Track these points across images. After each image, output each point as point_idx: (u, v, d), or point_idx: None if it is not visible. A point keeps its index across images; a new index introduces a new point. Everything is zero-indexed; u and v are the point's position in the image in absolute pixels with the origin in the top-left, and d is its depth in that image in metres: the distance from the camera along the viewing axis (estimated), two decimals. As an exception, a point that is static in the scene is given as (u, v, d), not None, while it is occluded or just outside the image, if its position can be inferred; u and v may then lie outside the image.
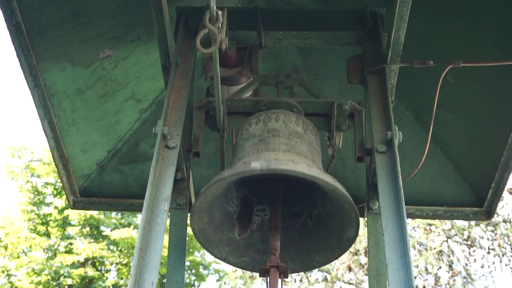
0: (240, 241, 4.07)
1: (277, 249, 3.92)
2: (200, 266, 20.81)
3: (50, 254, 20.07)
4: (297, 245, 4.07)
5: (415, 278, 20.25)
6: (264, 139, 3.84)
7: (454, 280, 20.81)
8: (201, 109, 4.09)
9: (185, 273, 4.49)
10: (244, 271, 21.36)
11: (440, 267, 20.93)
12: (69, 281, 19.69)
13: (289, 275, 4.12)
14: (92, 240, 19.96)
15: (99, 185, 5.66)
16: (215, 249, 4.00)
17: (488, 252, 20.89)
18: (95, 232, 20.42)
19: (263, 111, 4.02)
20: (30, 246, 20.10)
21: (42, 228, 20.72)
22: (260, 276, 4.03)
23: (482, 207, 5.50)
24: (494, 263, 20.97)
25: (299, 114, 4.04)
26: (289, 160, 3.57)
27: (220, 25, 3.35)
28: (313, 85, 4.12)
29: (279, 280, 3.85)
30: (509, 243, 20.70)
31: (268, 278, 3.91)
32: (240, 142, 3.96)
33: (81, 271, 19.30)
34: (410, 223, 20.04)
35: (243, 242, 4.07)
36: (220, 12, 3.33)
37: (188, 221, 4.24)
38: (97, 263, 20.10)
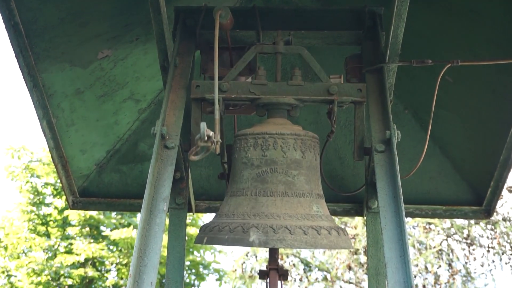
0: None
1: (276, 252, 3.93)
2: (200, 266, 20.83)
3: (50, 255, 20.11)
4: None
5: (415, 277, 20.25)
6: (262, 176, 3.85)
7: (454, 279, 20.82)
8: (197, 101, 4.04)
9: (185, 272, 4.48)
10: (243, 271, 21.37)
11: (440, 266, 20.94)
12: (69, 281, 19.73)
13: (289, 275, 4.12)
14: (92, 240, 19.99)
15: (98, 185, 5.67)
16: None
17: (488, 251, 20.90)
18: (95, 232, 20.45)
19: (261, 135, 3.94)
20: (30, 247, 20.13)
21: (42, 229, 20.75)
22: (259, 278, 4.05)
23: (481, 205, 5.51)
24: (494, 261, 20.99)
25: (297, 136, 3.97)
26: (285, 226, 3.63)
27: (213, 138, 3.50)
28: (314, 57, 4.05)
29: (279, 282, 3.87)
30: (508, 241, 20.71)
31: (268, 280, 3.93)
32: (238, 166, 3.95)
33: (81, 271, 19.34)
34: (409, 221, 20.05)
35: None
36: (211, 133, 3.47)
37: (188, 221, 4.24)
38: (97, 263, 20.13)
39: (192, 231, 19.32)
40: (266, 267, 3.97)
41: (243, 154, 3.91)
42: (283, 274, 3.99)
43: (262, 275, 4.05)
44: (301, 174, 3.84)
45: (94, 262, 20.01)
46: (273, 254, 4.03)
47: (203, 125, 3.45)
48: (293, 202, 3.75)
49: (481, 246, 20.98)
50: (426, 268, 20.92)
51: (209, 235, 3.73)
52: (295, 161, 3.85)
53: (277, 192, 3.78)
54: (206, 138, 3.47)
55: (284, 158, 3.84)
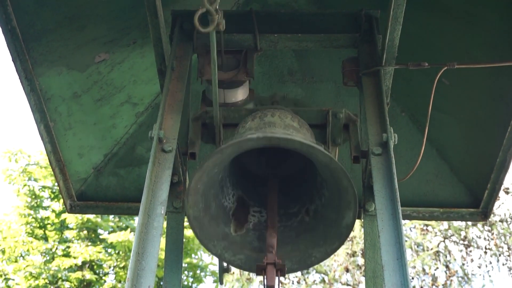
0: (236, 238, 4.08)
1: (274, 246, 3.92)
2: (197, 268, 20.81)
3: (48, 258, 20.06)
4: (294, 242, 4.09)
5: (412, 279, 20.26)
6: (261, 128, 3.88)
7: (451, 280, 20.82)
8: (197, 121, 4.10)
9: (183, 275, 4.50)
10: (241, 273, 21.36)
11: (437, 268, 20.94)
12: (67, 285, 19.68)
13: (286, 277, 4.13)
14: (89, 244, 19.95)
15: (96, 189, 5.66)
16: (210, 243, 4.01)
17: (485, 252, 20.91)
18: (92, 235, 20.41)
19: (259, 110, 4.04)
20: (28, 250, 20.08)
21: (39, 232, 20.71)
22: (256, 274, 4.04)
23: (479, 208, 5.51)
24: (491, 262, 20.99)
25: (294, 114, 4.04)
26: (285, 133, 3.68)
27: (217, 6, 3.38)
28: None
29: (276, 277, 3.87)
30: (506, 242, 20.72)
31: (265, 275, 3.92)
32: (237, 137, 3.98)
33: (78, 274, 19.29)
34: (406, 223, 20.04)
35: (239, 239, 4.08)
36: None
37: (185, 224, 4.25)
38: (95, 266, 20.09)
39: (190, 233, 19.29)
40: (263, 262, 3.96)
41: (242, 129, 3.96)
42: (281, 269, 3.98)
43: (259, 270, 4.05)
44: (299, 134, 3.88)
45: (92, 265, 19.97)
46: (271, 249, 4.02)
47: None
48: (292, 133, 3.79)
49: (478, 247, 20.99)
50: (423, 269, 20.91)
51: (202, 162, 3.74)
52: (292, 126, 3.89)
53: (276, 130, 3.83)
54: None
55: (282, 121, 3.90)
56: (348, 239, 20.58)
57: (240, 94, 4.44)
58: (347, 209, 3.82)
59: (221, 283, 4.95)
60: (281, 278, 4.03)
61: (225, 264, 4.69)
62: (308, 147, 3.62)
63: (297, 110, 4.17)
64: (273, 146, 3.72)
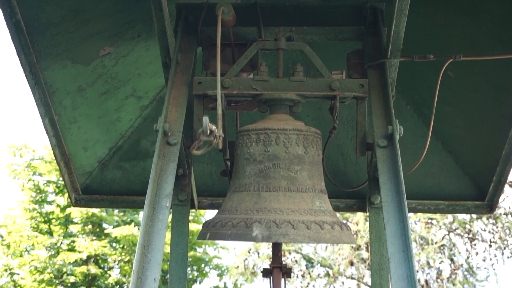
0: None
1: (280, 250, 3.94)
2: (202, 262, 20.83)
3: (53, 252, 20.12)
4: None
5: (417, 272, 20.26)
6: (264, 171, 3.85)
7: (455, 274, 20.83)
8: (199, 98, 4.05)
9: (188, 269, 4.50)
10: (245, 267, 21.38)
11: (442, 261, 20.96)
12: (71, 279, 19.72)
13: (291, 274, 4.13)
14: (94, 238, 19.99)
15: (101, 183, 5.67)
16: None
17: (490, 245, 20.91)
18: (97, 230, 20.45)
19: (263, 130, 3.94)
20: (33, 245, 20.14)
21: (44, 226, 20.76)
22: (263, 276, 4.05)
23: (484, 200, 5.50)
24: (495, 256, 21.00)
25: (299, 131, 3.97)
26: (288, 221, 3.64)
27: (215, 132, 3.52)
28: (315, 53, 4.05)
29: (282, 280, 3.88)
30: (510, 235, 20.72)
31: (271, 279, 3.94)
32: (241, 162, 3.96)
33: (83, 268, 19.35)
34: (411, 217, 20.05)
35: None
36: (214, 128, 3.50)
37: (191, 217, 4.24)
38: (99, 261, 20.13)
39: (194, 227, 19.31)
40: (270, 266, 3.97)
41: (246, 150, 3.91)
42: (287, 272, 4.00)
43: (266, 273, 4.06)
44: (304, 169, 3.85)
45: (96, 259, 20.02)
46: (276, 252, 4.03)
47: (205, 119, 3.46)
48: (295, 197, 3.76)
49: (483, 240, 20.99)
50: (428, 263, 20.93)
51: (212, 231, 3.74)
52: (297, 157, 3.85)
53: (280, 187, 3.79)
54: (208, 132, 3.48)
55: (287, 153, 3.84)
56: (353, 233, 20.60)
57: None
58: None
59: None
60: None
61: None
62: (310, 242, 3.67)
63: (303, 95, 4.05)
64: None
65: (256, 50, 4.08)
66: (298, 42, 4.15)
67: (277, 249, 4.03)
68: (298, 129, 3.92)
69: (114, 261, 20.44)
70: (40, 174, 21.20)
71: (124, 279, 19.83)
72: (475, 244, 21.03)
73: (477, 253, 21.03)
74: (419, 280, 19.99)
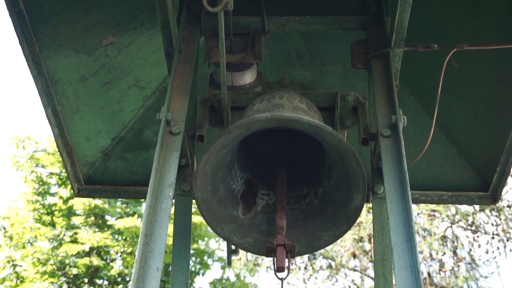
0: (244, 221, 4.07)
1: (283, 228, 3.92)
2: (205, 254, 20.87)
3: (55, 244, 20.16)
4: (302, 225, 4.08)
5: (420, 263, 20.29)
6: (269, 110, 3.87)
7: (458, 266, 20.84)
8: (205, 104, 4.08)
9: (190, 261, 4.50)
10: (248, 259, 21.41)
11: (444, 253, 20.96)
12: (74, 271, 19.77)
13: (293, 262, 4.12)
14: (97, 230, 20.02)
15: (104, 173, 5.66)
16: (218, 226, 4.00)
17: (493, 238, 20.91)
18: (100, 222, 20.48)
19: (267, 92, 4.02)
20: (35, 236, 20.17)
21: (47, 218, 20.80)
22: (266, 255, 4.03)
23: (487, 191, 5.49)
24: (498, 248, 21.00)
25: (302, 96, 4.03)
26: (294, 113, 3.67)
27: None
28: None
29: (286, 259, 3.86)
30: (513, 228, 20.72)
31: (274, 257, 3.92)
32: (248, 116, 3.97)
33: (86, 260, 19.38)
34: (414, 209, 20.06)
35: (247, 221, 4.07)
36: None
37: (193, 210, 4.24)
38: (102, 252, 20.17)
39: (196, 219, 19.32)
40: (273, 243, 3.96)
41: (252, 108, 3.95)
42: (291, 251, 3.98)
43: (269, 251, 4.04)
44: (308, 115, 3.87)
45: (99, 251, 20.05)
46: (280, 231, 4.01)
47: None
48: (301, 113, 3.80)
49: (485, 233, 20.99)
50: (430, 255, 20.94)
51: (210, 142, 3.75)
52: (301, 108, 3.88)
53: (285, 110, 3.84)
54: None
55: (290, 103, 3.88)
56: (355, 224, 20.62)
57: (248, 77, 4.43)
58: (355, 192, 3.81)
59: (229, 265, 4.95)
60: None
61: (233, 247, 4.70)
62: (316, 128, 3.61)
63: (305, 93, 4.16)
64: (282, 127, 3.71)
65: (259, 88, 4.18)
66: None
67: (280, 227, 4.00)
68: (302, 95, 4.02)
69: (117, 253, 20.48)
70: (43, 166, 21.23)
71: (126, 271, 19.86)
72: (478, 237, 21.03)
73: (479, 246, 21.03)
74: (421, 272, 20.04)
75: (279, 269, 3.88)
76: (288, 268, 3.98)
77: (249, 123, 3.64)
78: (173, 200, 3.91)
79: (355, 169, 3.71)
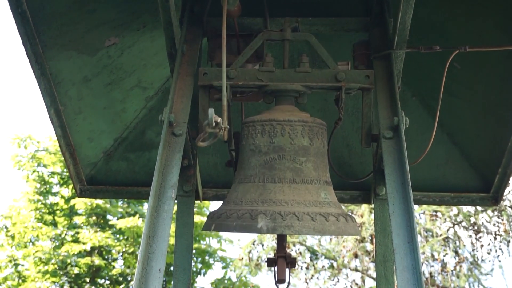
0: None
1: (284, 240, 3.94)
2: (206, 254, 20.86)
3: (57, 243, 20.15)
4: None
5: (422, 264, 20.28)
6: (269, 163, 3.84)
7: (460, 266, 20.84)
8: (204, 88, 4.04)
9: (192, 261, 4.51)
10: (250, 259, 21.41)
11: (446, 254, 20.96)
12: (76, 270, 19.77)
13: (296, 264, 4.12)
14: (98, 229, 20.02)
15: (106, 173, 5.67)
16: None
17: (495, 238, 20.91)
18: (101, 221, 20.48)
19: (268, 121, 3.93)
20: (37, 236, 20.18)
21: (48, 218, 20.80)
22: (267, 266, 4.05)
23: (489, 192, 5.50)
24: (501, 248, 21.00)
25: (304, 123, 3.94)
26: (293, 212, 3.64)
27: (221, 124, 3.54)
28: (321, 44, 4.05)
29: (287, 270, 3.88)
30: (515, 228, 20.72)
31: (275, 268, 3.94)
32: (246, 153, 3.95)
33: (87, 260, 19.38)
34: (415, 210, 20.05)
35: None
36: (219, 120, 3.51)
37: (195, 209, 4.24)
38: (103, 252, 20.16)
39: (197, 219, 19.32)
40: (274, 255, 3.98)
41: (251, 141, 3.91)
42: (291, 262, 4.00)
43: (270, 263, 4.06)
44: (309, 161, 3.84)
45: (100, 250, 20.05)
46: (281, 242, 4.03)
47: (211, 111, 3.46)
48: (300, 188, 3.76)
49: (488, 233, 20.99)
50: (432, 255, 20.94)
51: (216, 222, 3.74)
52: (302, 148, 3.84)
53: (285, 178, 3.78)
54: (214, 124, 3.48)
55: (292, 145, 3.84)
56: (357, 225, 20.62)
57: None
58: None
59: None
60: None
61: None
62: (316, 234, 3.67)
63: (308, 86, 4.03)
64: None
65: (261, 41, 4.07)
66: (304, 33, 4.14)
67: (281, 239, 4.03)
68: (304, 121, 3.90)
69: (118, 253, 20.48)
70: (44, 166, 21.22)
71: (128, 271, 19.86)
72: (480, 237, 21.03)
73: (482, 246, 21.03)
74: (423, 273, 20.05)
75: (279, 281, 3.90)
76: (289, 279, 4.01)
77: (251, 230, 3.67)
78: (175, 201, 3.92)
79: None
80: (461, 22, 4.65)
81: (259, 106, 4.68)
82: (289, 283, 4.08)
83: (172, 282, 4.40)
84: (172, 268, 4.51)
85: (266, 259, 3.99)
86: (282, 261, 3.93)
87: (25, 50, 4.56)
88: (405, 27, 4.02)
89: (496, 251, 20.97)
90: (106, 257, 20.41)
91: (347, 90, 3.93)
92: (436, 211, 20.80)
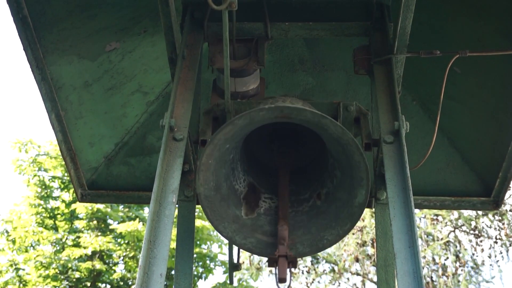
0: (247, 221, 4.05)
1: (285, 239, 3.92)
2: (207, 258, 20.85)
3: (58, 248, 20.16)
4: (305, 226, 4.05)
5: (423, 268, 20.27)
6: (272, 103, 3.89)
7: (461, 270, 20.84)
8: (208, 114, 4.08)
9: (193, 265, 4.51)
10: (251, 262, 21.40)
11: (447, 257, 20.96)
12: (77, 275, 19.76)
13: (297, 266, 4.12)
14: (99, 234, 20.02)
15: (107, 178, 5.67)
16: (220, 225, 3.97)
17: (495, 242, 20.92)
18: (102, 225, 20.48)
19: (270, 97, 4.01)
20: (38, 240, 20.18)
21: (49, 222, 20.80)
22: (268, 266, 4.05)
23: (490, 197, 5.49)
24: (501, 252, 21.00)
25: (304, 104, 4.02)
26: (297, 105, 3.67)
27: None
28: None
29: (288, 270, 3.87)
30: (516, 232, 20.72)
31: (276, 268, 3.93)
32: None
33: (88, 264, 19.37)
34: (416, 213, 20.05)
35: (250, 222, 4.05)
36: None
37: (196, 213, 4.24)
38: (104, 256, 20.17)
39: (198, 223, 19.31)
40: (275, 255, 3.97)
41: None
42: (292, 262, 3.99)
43: (271, 262, 4.05)
44: None
45: (101, 255, 20.05)
46: (282, 241, 4.02)
47: None
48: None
49: (488, 237, 20.99)
50: (433, 259, 20.95)
51: (213, 135, 3.74)
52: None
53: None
54: None
55: (293, 104, 3.88)
56: (358, 229, 20.62)
57: (251, 83, 4.44)
58: (359, 187, 3.79)
59: (231, 282, 4.94)
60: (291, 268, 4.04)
61: (235, 261, 4.69)
62: (319, 118, 3.59)
63: (307, 102, 4.14)
64: (284, 119, 3.68)
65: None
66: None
67: (282, 238, 4.02)
68: (304, 101, 4.00)
69: (119, 257, 20.47)
70: (45, 170, 21.23)
71: (129, 275, 19.86)
72: (480, 241, 21.03)
73: (482, 250, 21.03)
74: (424, 276, 20.03)
75: (281, 280, 3.90)
76: (290, 278, 4.00)
77: (253, 113, 3.59)
78: (177, 206, 3.92)
79: (358, 162, 3.69)
80: (461, 27, 4.66)
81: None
82: (290, 283, 4.07)
83: (173, 287, 4.40)
84: (173, 272, 4.51)
85: (267, 264, 3.99)
86: (283, 260, 3.92)
87: (26, 55, 4.56)
88: (405, 31, 4.03)
89: (496, 255, 20.97)
90: (107, 261, 20.41)
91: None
92: (437, 215, 20.80)
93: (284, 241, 3.89)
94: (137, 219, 19.72)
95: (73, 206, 20.16)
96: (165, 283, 16.62)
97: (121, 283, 19.99)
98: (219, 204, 3.95)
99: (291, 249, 3.85)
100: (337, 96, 5.27)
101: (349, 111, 4.07)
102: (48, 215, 20.88)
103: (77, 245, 19.89)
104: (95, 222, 20.39)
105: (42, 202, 20.87)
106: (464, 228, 21.13)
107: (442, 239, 20.84)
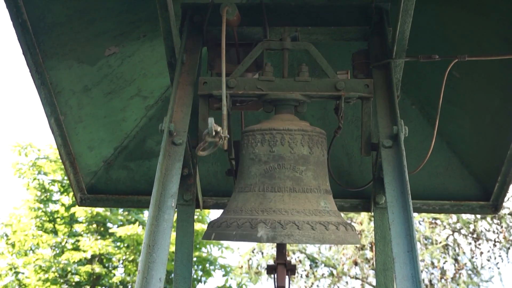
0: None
1: (284, 247, 3.94)
2: (206, 262, 20.86)
3: (57, 251, 20.16)
4: None
5: (422, 272, 20.25)
6: (269, 171, 3.85)
7: (460, 274, 20.83)
8: (204, 98, 4.05)
9: (192, 268, 4.51)
10: (250, 266, 21.39)
11: (446, 261, 20.95)
12: (76, 278, 19.76)
13: (296, 271, 4.12)
14: (98, 237, 20.02)
15: (106, 182, 5.68)
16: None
17: (494, 245, 20.91)
18: (101, 229, 20.48)
19: (268, 131, 3.94)
20: (38, 244, 20.18)
21: (49, 226, 20.81)
22: (267, 273, 4.05)
23: (489, 200, 5.50)
24: (500, 255, 20.99)
25: (304, 132, 3.95)
26: (293, 221, 3.64)
27: (221, 133, 3.55)
28: (321, 53, 4.05)
29: (287, 277, 3.88)
30: (515, 235, 20.71)
31: (275, 275, 3.94)
32: (246, 162, 3.96)
33: (88, 268, 19.38)
34: (415, 217, 20.05)
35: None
36: (219, 129, 3.52)
37: (195, 217, 4.24)
38: (104, 260, 20.17)
39: (198, 227, 19.32)
40: (274, 262, 3.98)
41: (251, 150, 3.92)
42: (291, 269, 4.00)
43: (270, 270, 4.06)
44: (309, 169, 3.85)
45: (101, 258, 20.06)
46: (281, 249, 4.04)
47: (211, 120, 3.47)
48: (300, 197, 3.76)
49: (487, 240, 20.99)
50: (432, 263, 20.94)
51: (217, 231, 3.75)
52: (302, 157, 3.85)
53: (285, 187, 3.79)
54: (213, 133, 3.49)
55: (292, 154, 3.85)
56: (357, 233, 20.60)
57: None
58: None
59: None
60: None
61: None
62: (315, 243, 3.68)
63: (308, 95, 4.05)
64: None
65: (261, 50, 4.09)
66: (303, 42, 4.15)
67: (281, 247, 4.04)
68: (303, 130, 3.91)
69: (119, 260, 20.48)
70: (45, 173, 21.24)
71: (128, 278, 19.85)
72: (479, 244, 21.03)
73: (481, 253, 21.02)
74: (423, 280, 20.02)
75: None
76: (289, 287, 4.01)
77: (251, 239, 3.67)
78: (176, 210, 3.92)
79: None
80: (460, 31, 4.67)
81: (259, 115, 4.68)
82: None
83: (172, 291, 4.41)
84: (172, 276, 4.51)
85: (266, 266, 3.99)
86: (282, 268, 3.93)
87: (25, 60, 4.57)
88: (404, 36, 4.03)
89: (495, 258, 20.96)
90: (106, 265, 20.42)
91: (346, 99, 3.94)
92: (435, 219, 20.79)
93: (283, 249, 3.91)
94: (137, 223, 19.72)
95: (72, 209, 20.19)
96: (165, 286, 16.61)
97: (121, 287, 19.98)
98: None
99: None
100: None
101: (351, 99, 4.01)
102: (47, 219, 20.89)
103: (76, 248, 19.90)
104: (94, 225, 20.40)
105: (41, 205, 20.88)
106: (463, 231, 21.13)
107: (440, 242, 20.84)
